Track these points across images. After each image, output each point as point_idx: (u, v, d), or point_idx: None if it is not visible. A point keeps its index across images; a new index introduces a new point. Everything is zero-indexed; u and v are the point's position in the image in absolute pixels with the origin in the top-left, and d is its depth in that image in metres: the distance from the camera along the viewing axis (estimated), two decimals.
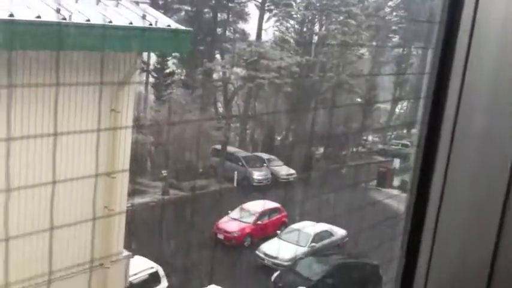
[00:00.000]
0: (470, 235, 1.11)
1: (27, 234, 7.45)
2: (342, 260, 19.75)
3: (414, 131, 40.93)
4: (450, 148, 1.08)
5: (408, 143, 38.47)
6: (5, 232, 6.60)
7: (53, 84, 7.91)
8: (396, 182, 31.69)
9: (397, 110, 45.84)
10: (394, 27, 43.21)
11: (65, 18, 7.40)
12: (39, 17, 7.10)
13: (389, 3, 43.29)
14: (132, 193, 21.64)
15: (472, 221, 1.10)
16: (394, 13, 44.33)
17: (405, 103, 46.65)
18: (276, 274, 19.05)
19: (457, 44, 1.07)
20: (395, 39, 45.20)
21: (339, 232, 22.56)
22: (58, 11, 7.44)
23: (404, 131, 44.36)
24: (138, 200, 22.99)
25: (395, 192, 30.11)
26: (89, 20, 7.61)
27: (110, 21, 7.96)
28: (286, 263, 19.85)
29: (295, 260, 19.81)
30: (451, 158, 1.09)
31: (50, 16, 7.31)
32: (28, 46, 7.29)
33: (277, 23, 37.00)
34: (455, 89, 1.08)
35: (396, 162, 33.61)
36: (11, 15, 6.84)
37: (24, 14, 7.12)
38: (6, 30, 6.85)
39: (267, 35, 35.80)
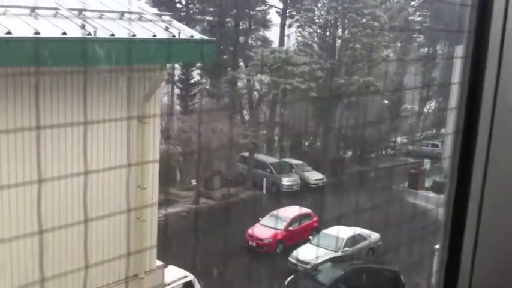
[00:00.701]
0: None
1: (59, 227, 7.51)
2: (358, 265, 19.27)
3: (443, 130, 40.32)
4: (489, 139, 1.03)
5: (438, 143, 37.93)
6: (39, 224, 6.64)
7: (81, 93, 8.02)
8: (428, 183, 31.24)
9: (425, 110, 45.26)
10: (418, 27, 42.76)
11: (90, 34, 7.49)
12: (64, 33, 7.20)
13: (412, 3, 42.87)
14: (163, 203, 21.84)
15: None
16: (418, 13, 43.88)
17: (433, 103, 46.05)
18: (290, 278, 18.83)
19: (492, 28, 1.02)
20: (420, 39, 44.73)
21: (372, 236, 22.28)
22: (83, 26, 7.54)
23: (434, 131, 43.75)
24: (169, 210, 23.15)
25: (427, 193, 29.67)
26: (113, 35, 7.69)
27: (134, 35, 8.03)
28: None
29: (313, 265, 19.56)
30: (491, 148, 1.03)
31: (75, 32, 7.42)
32: (55, 63, 7.40)
33: (300, 29, 37.01)
34: (492, 76, 1.02)
35: (427, 163, 33.14)
36: (37, 32, 6.95)
37: (49, 31, 7.24)
38: (33, 47, 6.96)
39: (290, 41, 35.82)
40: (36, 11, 7.45)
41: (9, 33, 6.70)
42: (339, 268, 18.69)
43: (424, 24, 43.39)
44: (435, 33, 42.88)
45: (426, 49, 46.22)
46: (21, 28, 6.96)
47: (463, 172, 1.08)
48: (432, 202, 27.42)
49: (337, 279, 17.85)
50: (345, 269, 18.55)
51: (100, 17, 8.19)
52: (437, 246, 12.03)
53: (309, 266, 19.88)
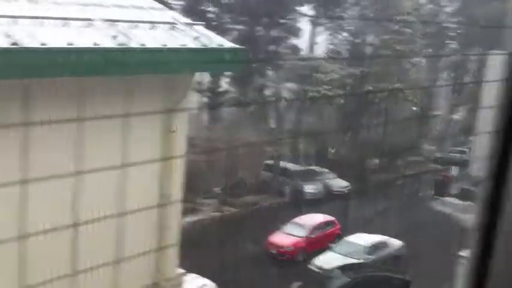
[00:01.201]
0: None
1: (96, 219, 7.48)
2: (367, 273, 19.04)
3: (472, 137, 39.55)
4: None
5: (466, 149, 37.26)
6: (74, 216, 6.65)
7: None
8: (455, 190, 30.77)
9: (455, 116, 44.49)
10: (451, 33, 42.06)
11: (121, 44, 7.60)
12: (96, 44, 7.32)
13: (446, 10, 42.24)
14: (186, 211, 21.86)
15: None
16: (451, 19, 43.20)
17: (462, 109, 45.27)
18: (297, 284, 18.76)
19: None
20: (453, 45, 44.01)
21: (395, 243, 22.03)
22: (115, 37, 7.66)
23: (461, 138, 42.96)
24: (192, 217, 23.13)
25: (454, 200, 29.26)
26: (144, 45, 7.79)
27: (165, 45, 8.11)
28: None
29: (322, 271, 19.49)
30: None
31: (107, 42, 7.53)
32: (86, 73, 7.52)
33: (330, 36, 36.81)
34: None
35: (454, 170, 32.71)
36: (70, 43, 7.09)
37: (82, 41, 7.37)
38: (66, 58, 7.10)
39: (320, 49, 35.69)
40: (69, 22, 7.60)
41: (43, 44, 6.86)
42: (347, 276, 18.60)
43: (458, 31, 42.65)
44: (468, 39, 41.94)
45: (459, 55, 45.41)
46: (55, 39, 7.12)
47: (498, 175, 1.03)
48: (459, 209, 27.00)
49: (344, 287, 17.77)
50: (353, 277, 18.43)
51: (131, 27, 8.30)
52: (462, 253, 11.86)
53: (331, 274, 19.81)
